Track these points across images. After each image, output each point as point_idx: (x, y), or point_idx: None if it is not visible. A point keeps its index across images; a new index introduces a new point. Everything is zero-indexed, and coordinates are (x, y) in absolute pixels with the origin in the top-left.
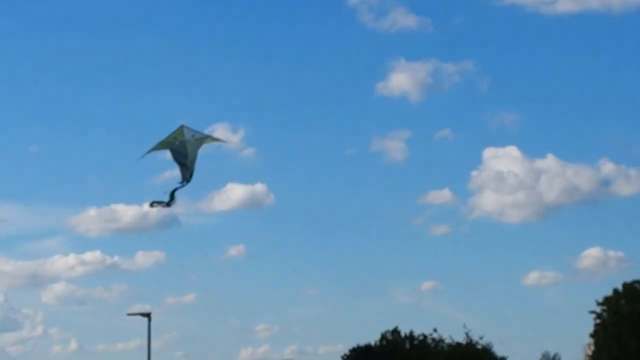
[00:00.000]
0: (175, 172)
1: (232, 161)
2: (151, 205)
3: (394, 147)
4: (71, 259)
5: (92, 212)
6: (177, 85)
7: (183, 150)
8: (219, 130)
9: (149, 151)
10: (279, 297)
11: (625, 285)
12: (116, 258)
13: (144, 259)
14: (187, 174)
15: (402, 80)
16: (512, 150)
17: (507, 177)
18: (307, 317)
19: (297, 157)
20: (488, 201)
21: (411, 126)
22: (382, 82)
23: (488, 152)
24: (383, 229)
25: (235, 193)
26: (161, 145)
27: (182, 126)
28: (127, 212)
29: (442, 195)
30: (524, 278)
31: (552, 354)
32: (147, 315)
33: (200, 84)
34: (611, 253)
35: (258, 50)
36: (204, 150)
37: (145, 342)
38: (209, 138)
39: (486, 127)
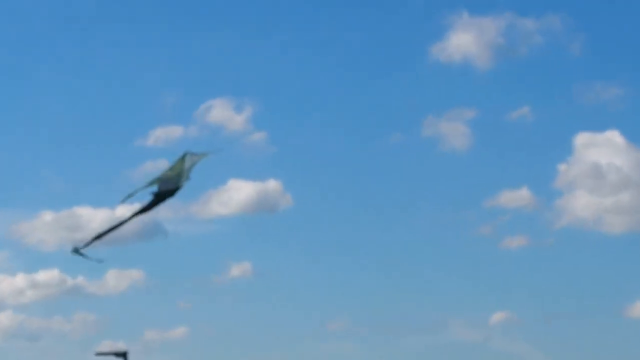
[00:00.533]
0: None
1: (237, 150)
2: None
3: (454, 131)
4: (20, 280)
5: (48, 216)
6: (163, 53)
7: (175, 180)
8: (217, 108)
9: (146, 186)
10: (294, 332)
11: None
12: (80, 279)
13: (117, 280)
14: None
15: (464, 41)
16: (614, 136)
17: (607, 172)
18: (334, 357)
19: (322, 145)
20: (581, 204)
21: (477, 104)
22: (438, 44)
23: (581, 139)
24: (437, 242)
25: (240, 193)
26: (157, 180)
27: (185, 154)
28: (95, 217)
29: (519, 197)
30: (629, 308)
31: None
32: (123, 354)
33: (194, 47)
34: None
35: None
36: (196, 135)
37: None
38: (202, 155)
39: (578, 105)
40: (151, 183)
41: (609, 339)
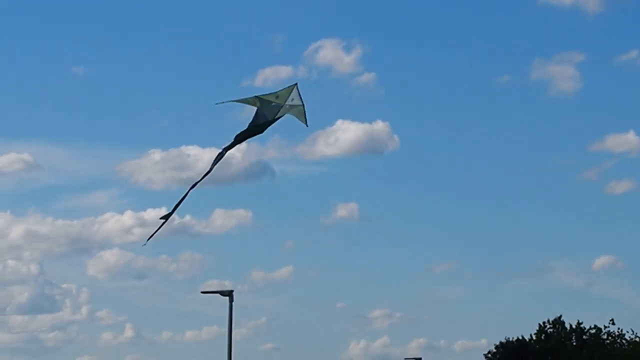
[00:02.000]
0: None
1: (345, 90)
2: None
3: (562, 74)
4: (127, 218)
5: (156, 155)
6: None
7: (270, 114)
8: (328, 48)
9: (238, 100)
10: (401, 275)
11: None
12: (187, 218)
13: (224, 220)
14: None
15: None
16: None
17: None
18: (439, 301)
19: (430, 87)
20: None
21: (586, 47)
22: None
23: None
24: (543, 185)
25: (347, 134)
26: (255, 100)
27: (295, 85)
28: (203, 157)
29: (625, 140)
30: None
31: None
32: (229, 294)
33: None
34: None
35: None
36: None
37: (224, 330)
38: (297, 109)
39: None
40: (247, 100)
41: None
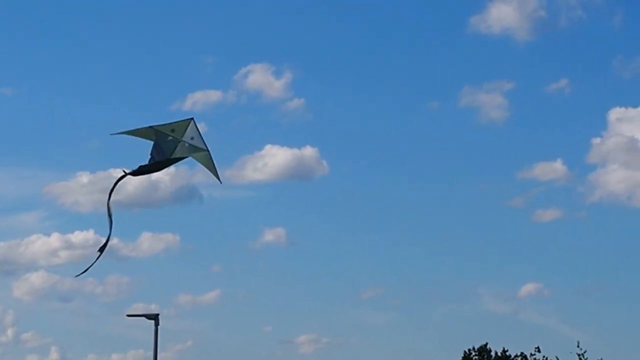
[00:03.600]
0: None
1: (274, 116)
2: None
3: (491, 102)
4: (54, 240)
5: (84, 178)
6: (203, 18)
7: (168, 149)
8: (257, 73)
9: (131, 132)
10: (329, 300)
11: None
12: (115, 241)
13: (151, 243)
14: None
15: (505, 13)
16: None
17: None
18: (366, 327)
19: (360, 113)
20: (615, 178)
21: (515, 76)
22: (478, 15)
23: (615, 113)
24: (470, 213)
25: (275, 158)
26: (150, 131)
27: (191, 119)
28: (131, 181)
29: (553, 169)
30: None
31: None
32: (154, 317)
33: (236, 11)
34: None
35: None
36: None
37: (150, 353)
38: (203, 155)
39: (616, 79)
40: (140, 131)
41: (636, 323)
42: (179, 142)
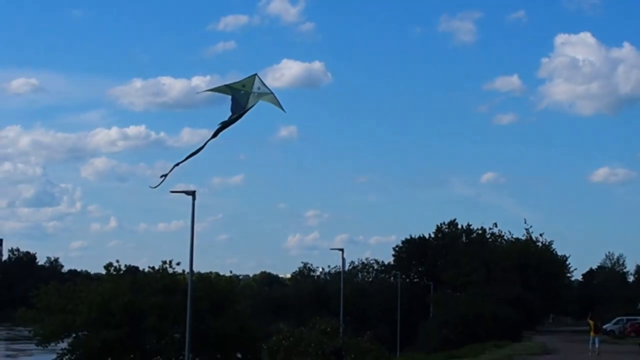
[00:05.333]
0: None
1: (289, 36)
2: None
3: (463, 28)
4: (114, 132)
5: (138, 84)
6: None
7: (243, 101)
8: (276, 1)
9: (212, 90)
10: (331, 183)
11: None
12: (161, 134)
13: (190, 136)
14: (234, 120)
15: None
16: (587, 37)
17: (581, 66)
18: (359, 205)
19: (359, 35)
20: (559, 90)
21: (483, 8)
22: None
23: (561, 38)
24: (444, 115)
25: (290, 70)
26: (226, 88)
27: (255, 75)
28: (175, 86)
29: (510, 82)
30: (592, 174)
31: (616, 255)
32: (192, 193)
33: None
34: None
35: None
36: (256, 23)
37: (188, 223)
38: (269, 97)
39: (563, 10)
40: (219, 89)
41: (576, 196)
42: (250, 93)
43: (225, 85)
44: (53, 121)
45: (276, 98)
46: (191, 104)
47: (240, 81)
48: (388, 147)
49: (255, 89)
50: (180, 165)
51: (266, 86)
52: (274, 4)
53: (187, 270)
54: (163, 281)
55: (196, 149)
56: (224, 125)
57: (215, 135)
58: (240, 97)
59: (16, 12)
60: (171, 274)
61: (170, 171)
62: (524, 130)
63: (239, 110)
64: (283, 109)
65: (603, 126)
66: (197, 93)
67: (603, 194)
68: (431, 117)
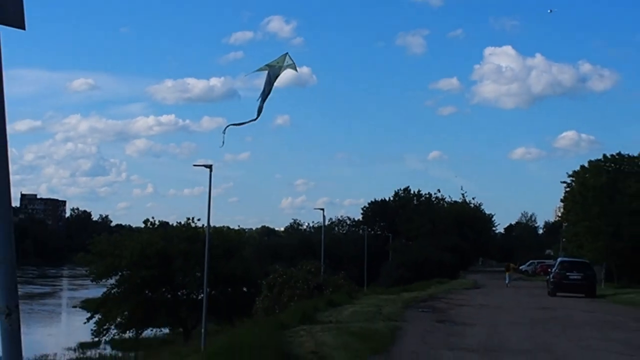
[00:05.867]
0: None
1: (284, 47)
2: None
3: (415, 42)
4: (150, 120)
5: (169, 83)
6: None
7: (275, 75)
8: (274, 22)
9: (256, 70)
10: (315, 158)
11: (591, 162)
12: (187, 121)
13: (209, 123)
14: (267, 93)
15: None
16: (508, 49)
17: (504, 71)
18: (337, 175)
19: (337, 47)
20: (487, 90)
21: (430, 25)
22: None
23: (489, 50)
24: (401, 108)
25: (284, 74)
26: (266, 67)
27: (287, 53)
28: (197, 85)
29: (451, 83)
30: (512, 153)
31: (529, 214)
32: (209, 167)
33: None
34: (584, 136)
35: None
36: (259, 37)
37: (206, 189)
38: (292, 65)
39: (491, 29)
40: (261, 69)
41: (500, 169)
42: (281, 67)
43: (266, 64)
44: (105, 111)
45: (295, 65)
46: (209, 98)
47: (276, 59)
48: (359, 131)
49: (285, 64)
50: (233, 127)
51: (292, 60)
52: (272, 23)
53: (206, 224)
54: (187, 233)
55: (250, 119)
56: (264, 96)
57: (260, 109)
58: (275, 71)
59: (78, 28)
60: (193, 227)
61: (225, 130)
62: (461, 119)
63: (272, 81)
64: (296, 69)
65: (520, 116)
66: (245, 75)
67: (520, 168)
68: (391, 109)
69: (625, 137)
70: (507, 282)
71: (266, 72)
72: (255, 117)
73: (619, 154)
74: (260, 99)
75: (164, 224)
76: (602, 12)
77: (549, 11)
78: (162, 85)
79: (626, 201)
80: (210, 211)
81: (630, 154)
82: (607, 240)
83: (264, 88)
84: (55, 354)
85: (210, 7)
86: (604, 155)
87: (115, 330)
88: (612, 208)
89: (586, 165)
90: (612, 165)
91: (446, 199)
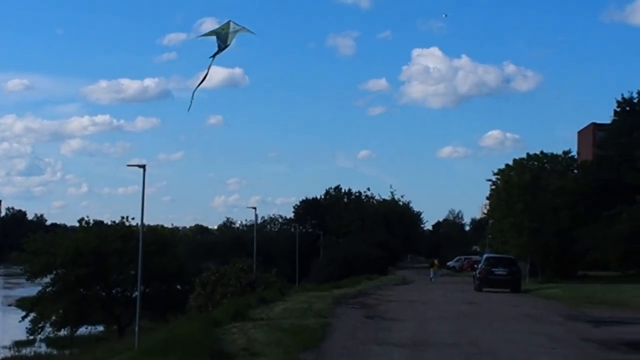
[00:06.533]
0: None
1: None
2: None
3: (345, 43)
4: (85, 120)
5: (104, 84)
6: None
7: (224, 39)
8: (207, 23)
9: (201, 35)
10: (248, 158)
11: (515, 160)
12: (121, 121)
13: (143, 123)
14: (221, 51)
15: None
16: (435, 51)
17: (432, 72)
18: (269, 174)
19: (269, 49)
20: (415, 90)
21: (360, 27)
22: None
23: (416, 52)
24: (331, 107)
25: (218, 75)
26: (211, 33)
27: (229, 21)
28: (132, 85)
29: (380, 84)
30: (440, 151)
31: (456, 211)
32: (143, 166)
33: None
34: (509, 135)
35: None
36: (190, 39)
37: (141, 188)
38: (244, 29)
39: (418, 32)
40: (206, 34)
41: (428, 168)
42: (229, 32)
43: (211, 31)
44: (40, 112)
45: (247, 28)
46: (143, 98)
47: (220, 26)
48: (290, 130)
49: (232, 29)
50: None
51: (238, 25)
52: (205, 24)
53: (140, 223)
54: (121, 231)
55: (202, 78)
56: (214, 55)
57: (209, 67)
58: (222, 37)
59: (12, 28)
60: (128, 226)
61: (192, 97)
62: (390, 119)
63: (222, 44)
64: (253, 32)
65: (448, 116)
66: (195, 37)
67: (447, 166)
68: (321, 109)
69: (548, 135)
70: (431, 277)
71: (214, 37)
72: (204, 76)
73: (542, 152)
74: (211, 57)
75: (99, 223)
76: (525, 14)
77: (444, 15)
78: (97, 86)
79: (549, 198)
80: (144, 210)
81: (553, 152)
82: (531, 236)
83: (217, 49)
84: None
85: (144, 8)
86: (528, 154)
87: (50, 329)
88: (535, 205)
89: (511, 163)
90: (536, 163)
91: (376, 197)
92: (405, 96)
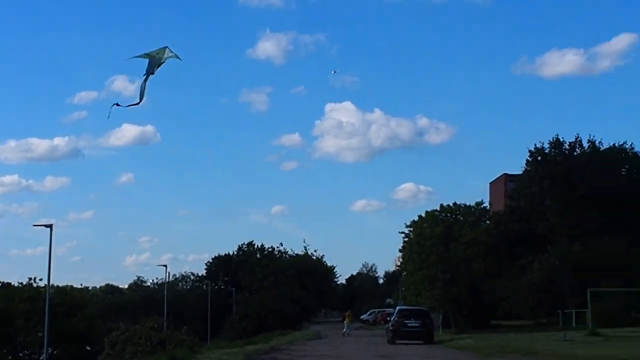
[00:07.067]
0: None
1: (130, 109)
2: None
3: (259, 99)
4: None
5: (12, 143)
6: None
7: (156, 64)
8: (118, 81)
9: (137, 56)
10: (159, 216)
11: (427, 212)
12: (30, 181)
13: (52, 182)
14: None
15: (267, 47)
16: (348, 105)
17: (345, 126)
18: (181, 231)
19: (180, 104)
20: (329, 144)
21: (273, 82)
22: (251, 48)
23: (329, 107)
24: (244, 164)
25: (129, 132)
26: (145, 55)
27: (166, 47)
28: (41, 145)
29: (293, 139)
30: (353, 205)
31: (370, 264)
32: (50, 226)
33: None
34: (422, 187)
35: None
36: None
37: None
38: (173, 55)
39: (330, 88)
40: (142, 56)
41: (342, 222)
42: (162, 58)
43: (145, 53)
44: None
45: (177, 56)
46: (53, 157)
47: (156, 50)
48: (202, 188)
49: (166, 55)
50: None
51: (173, 52)
52: (116, 82)
53: (47, 283)
54: (29, 293)
55: (136, 102)
56: (145, 79)
57: (142, 92)
58: (155, 60)
59: None
60: (35, 287)
61: (111, 108)
62: (303, 174)
63: (152, 69)
64: (180, 58)
65: (361, 170)
66: (125, 59)
67: (361, 220)
68: (234, 165)
69: (461, 187)
70: (345, 331)
71: (146, 59)
72: (138, 101)
73: (454, 203)
74: (143, 81)
75: (6, 285)
76: (437, 68)
77: (332, 72)
78: (5, 146)
79: (461, 249)
80: (52, 270)
81: (465, 204)
82: (444, 287)
83: (147, 71)
84: None
85: (54, 66)
86: (441, 205)
87: None
88: (447, 256)
89: (423, 215)
90: (448, 214)
91: (289, 252)
92: (318, 151)
